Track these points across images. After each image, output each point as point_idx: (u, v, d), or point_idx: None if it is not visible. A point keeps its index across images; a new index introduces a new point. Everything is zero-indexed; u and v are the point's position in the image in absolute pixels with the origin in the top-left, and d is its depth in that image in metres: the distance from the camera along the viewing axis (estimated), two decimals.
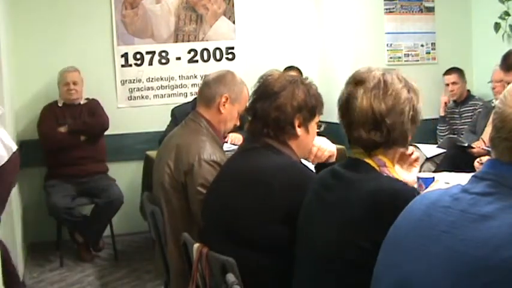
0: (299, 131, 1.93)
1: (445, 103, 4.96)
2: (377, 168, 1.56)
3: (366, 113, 1.53)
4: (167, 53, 5.13)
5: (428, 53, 5.24)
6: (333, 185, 1.57)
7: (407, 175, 1.93)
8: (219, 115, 2.42)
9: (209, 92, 2.45)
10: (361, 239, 1.41)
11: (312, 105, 1.94)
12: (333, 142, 2.31)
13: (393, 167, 1.61)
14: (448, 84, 4.91)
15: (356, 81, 1.58)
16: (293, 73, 4.84)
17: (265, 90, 1.95)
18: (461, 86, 4.88)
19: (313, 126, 2.00)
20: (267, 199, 1.77)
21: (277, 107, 1.90)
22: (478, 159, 3.49)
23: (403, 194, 1.42)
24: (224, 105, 2.41)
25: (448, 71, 4.93)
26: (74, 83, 4.58)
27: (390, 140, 1.55)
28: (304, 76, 2.05)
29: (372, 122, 1.53)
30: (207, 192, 2.11)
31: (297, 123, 1.92)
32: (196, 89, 4.50)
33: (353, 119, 1.55)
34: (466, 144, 3.90)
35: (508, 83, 3.45)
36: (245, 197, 1.83)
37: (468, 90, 4.96)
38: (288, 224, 1.72)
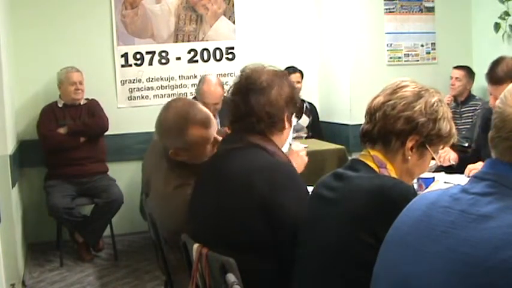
0: (287, 124, 1.95)
1: (447, 104, 4.94)
2: (376, 169, 1.59)
3: None
4: (167, 53, 5.13)
5: (428, 53, 5.24)
6: (334, 185, 1.60)
7: None
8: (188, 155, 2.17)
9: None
10: (362, 233, 1.43)
11: (294, 98, 1.96)
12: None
13: (395, 173, 1.61)
14: (452, 77, 4.94)
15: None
16: (295, 75, 4.89)
17: (254, 83, 1.92)
18: (464, 84, 4.88)
19: (290, 118, 2.00)
20: (249, 200, 1.75)
21: (270, 102, 1.89)
22: (470, 167, 3.14)
23: (402, 189, 1.46)
24: (178, 155, 2.17)
25: (458, 66, 4.96)
26: (80, 83, 4.59)
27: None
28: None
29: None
30: (192, 197, 2.03)
31: (286, 117, 1.94)
32: None
33: None
34: (466, 145, 3.90)
35: (496, 97, 3.30)
36: (228, 199, 1.81)
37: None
38: (271, 224, 1.72)
